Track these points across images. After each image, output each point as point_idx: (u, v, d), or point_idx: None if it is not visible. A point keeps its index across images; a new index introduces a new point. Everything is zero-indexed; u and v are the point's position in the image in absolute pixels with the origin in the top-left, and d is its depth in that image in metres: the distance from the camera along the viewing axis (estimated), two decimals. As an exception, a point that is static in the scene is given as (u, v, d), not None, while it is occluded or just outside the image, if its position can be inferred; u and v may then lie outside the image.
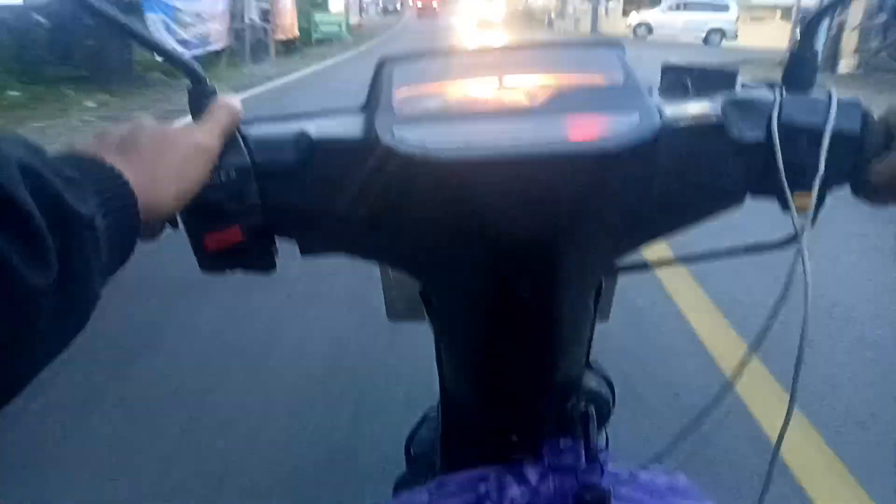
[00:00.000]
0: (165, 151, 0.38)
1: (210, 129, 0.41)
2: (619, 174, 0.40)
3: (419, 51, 0.48)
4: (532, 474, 0.55)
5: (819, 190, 0.43)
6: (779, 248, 0.50)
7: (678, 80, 0.48)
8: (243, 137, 0.43)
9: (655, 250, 0.53)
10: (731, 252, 0.53)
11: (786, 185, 0.43)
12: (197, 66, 0.43)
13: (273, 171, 0.43)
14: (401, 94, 0.44)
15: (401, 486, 0.71)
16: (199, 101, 0.44)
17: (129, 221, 0.33)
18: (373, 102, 0.44)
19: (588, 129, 0.40)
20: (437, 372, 0.61)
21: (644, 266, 0.55)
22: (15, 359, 0.26)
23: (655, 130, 0.40)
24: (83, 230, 0.28)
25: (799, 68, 0.45)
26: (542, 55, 0.48)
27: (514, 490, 0.54)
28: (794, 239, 0.48)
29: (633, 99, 0.42)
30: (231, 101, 0.44)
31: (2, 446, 1.63)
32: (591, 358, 0.60)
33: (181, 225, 0.43)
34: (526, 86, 0.46)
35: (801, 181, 0.43)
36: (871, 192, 0.44)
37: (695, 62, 0.48)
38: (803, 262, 0.42)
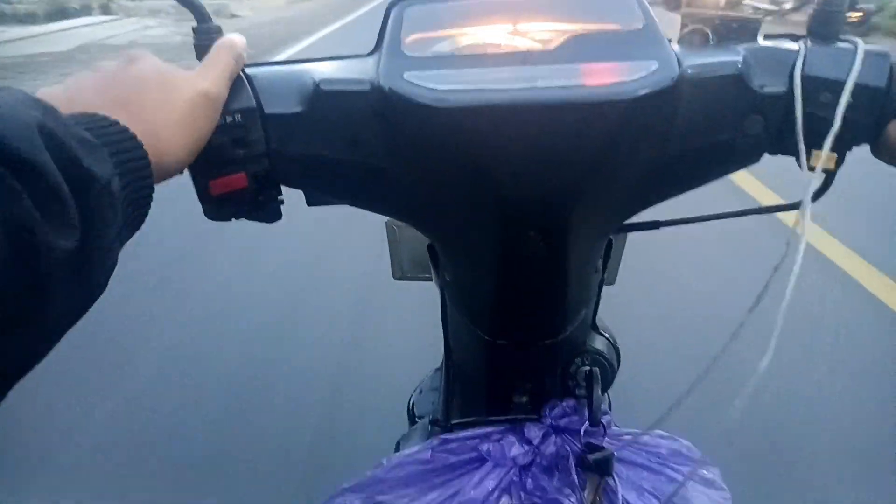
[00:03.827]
0: (171, 102, 0.36)
1: (216, 74, 0.39)
2: (635, 123, 0.39)
3: None
4: (534, 434, 0.55)
5: (837, 148, 0.41)
6: (790, 209, 0.49)
7: (698, 30, 0.46)
8: (249, 80, 0.42)
9: (662, 210, 0.52)
10: (743, 213, 0.52)
11: (800, 138, 0.41)
12: (201, 4, 0.42)
13: (280, 115, 0.42)
14: (410, 38, 0.43)
15: (403, 445, 0.71)
16: (205, 41, 0.42)
17: (143, 183, 0.32)
18: (382, 47, 0.43)
19: (604, 76, 0.39)
20: (441, 330, 0.60)
21: (653, 225, 0.54)
22: (31, 327, 0.25)
23: (674, 78, 0.39)
24: (102, 193, 0.28)
25: (825, 17, 0.43)
26: (559, 0, 0.47)
27: (516, 449, 0.54)
28: (813, 199, 0.47)
29: (651, 46, 0.41)
30: (236, 39, 0.42)
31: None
32: (598, 319, 0.59)
33: (187, 170, 0.42)
34: (541, 32, 0.44)
35: (819, 139, 0.42)
36: (894, 153, 0.43)
37: (716, 12, 0.46)
38: (802, 224, 0.40)
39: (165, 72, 0.37)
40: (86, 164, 0.27)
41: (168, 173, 0.36)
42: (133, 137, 0.32)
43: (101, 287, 0.29)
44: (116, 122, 0.32)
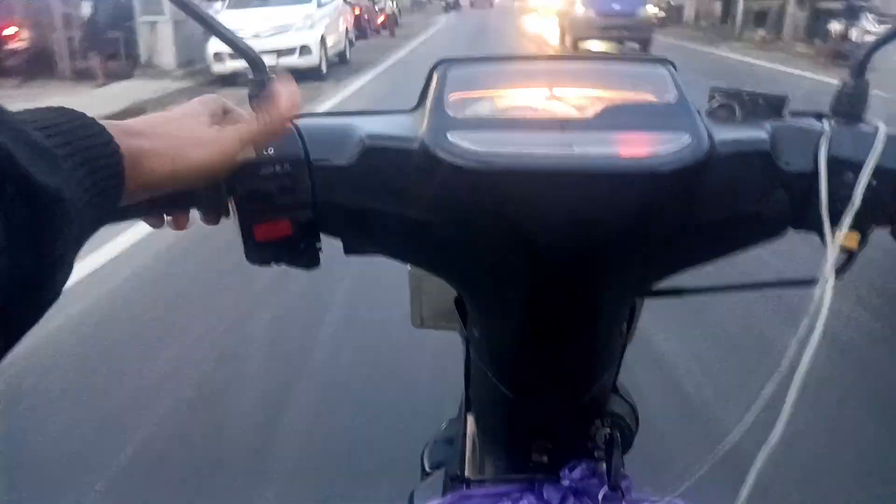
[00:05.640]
0: (174, 131, 0.37)
1: (241, 133, 0.40)
2: (666, 194, 0.40)
3: (473, 55, 0.49)
4: (553, 496, 0.54)
5: (861, 228, 0.42)
6: (810, 285, 0.49)
7: (726, 104, 0.47)
8: (299, 131, 0.44)
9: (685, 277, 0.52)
10: (766, 284, 0.52)
11: (826, 217, 0.42)
12: (258, 56, 0.44)
13: (326, 167, 0.44)
14: (453, 98, 0.45)
15: (417, 497, 0.70)
16: (259, 93, 0.44)
17: (111, 184, 0.31)
18: (426, 105, 0.45)
19: (639, 147, 0.40)
20: (463, 384, 0.60)
21: (677, 292, 0.55)
22: None
23: (705, 153, 0.40)
24: (50, 205, 0.26)
25: (850, 99, 0.44)
26: (594, 68, 0.49)
27: (534, 509, 0.54)
28: (838, 273, 0.47)
29: (684, 119, 0.42)
30: (288, 95, 0.42)
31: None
32: (618, 383, 0.60)
33: (233, 214, 0.43)
34: (578, 98, 0.46)
35: (843, 217, 0.43)
36: None
37: (744, 87, 0.48)
38: (821, 301, 0.41)
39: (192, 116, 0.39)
40: (34, 177, 0.25)
41: (147, 186, 0.35)
42: (102, 132, 0.31)
43: (53, 297, 0.28)
44: (82, 116, 0.30)
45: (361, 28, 14.37)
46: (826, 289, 0.40)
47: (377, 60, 10.34)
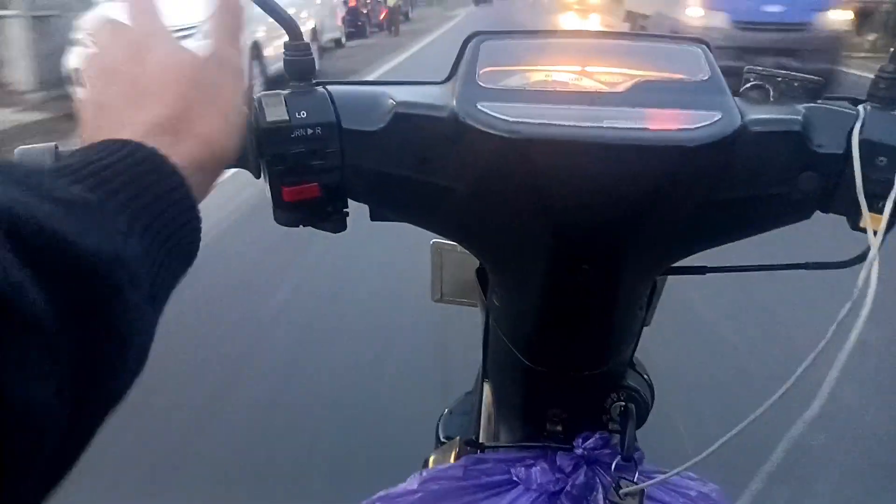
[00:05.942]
0: (203, 93, 0.31)
1: (224, 38, 0.36)
2: (694, 169, 0.41)
3: (507, 29, 0.49)
4: (566, 463, 0.56)
5: (891, 211, 0.43)
6: (843, 266, 0.50)
7: (760, 86, 0.48)
8: (331, 96, 0.45)
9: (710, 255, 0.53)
10: (793, 266, 0.53)
11: (864, 200, 0.42)
12: (294, 21, 0.44)
13: (357, 131, 0.45)
14: (485, 69, 0.45)
15: (430, 463, 0.72)
16: (296, 57, 0.45)
17: (182, 218, 0.26)
18: (457, 75, 0.46)
19: (668, 122, 0.41)
20: (481, 353, 0.62)
21: (699, 270, 0.56)
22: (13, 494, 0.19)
23: (735, 129, 0.40)
24: (107, 271, 0.21)
25: (888, 85, 0.44)
26: (627, 46, 0.49)
27: (547, 476, 0.55)
28: (860, 259, 0.48)
29: (715, 97, 0.43)
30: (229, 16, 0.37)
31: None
32: (635, 358, 0.60)
33: (264, 175, 0.45)
34: (609, 74, 0.47)
35: (873, 201, 0.43)
36: None
37: (779, 70, 0.48)
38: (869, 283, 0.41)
39: (174, 60, 0.32)
40: (77, 246, 0.20)
41: (219, 168, 0.33)
42: (154, 156, 0.25)
43: (128, 382, 0.23)
44: (127, 144, 0.25)
45: (358, 25, 12.34)
46: (872, 271, 0.40)
47: (362, 72, 7.99)
